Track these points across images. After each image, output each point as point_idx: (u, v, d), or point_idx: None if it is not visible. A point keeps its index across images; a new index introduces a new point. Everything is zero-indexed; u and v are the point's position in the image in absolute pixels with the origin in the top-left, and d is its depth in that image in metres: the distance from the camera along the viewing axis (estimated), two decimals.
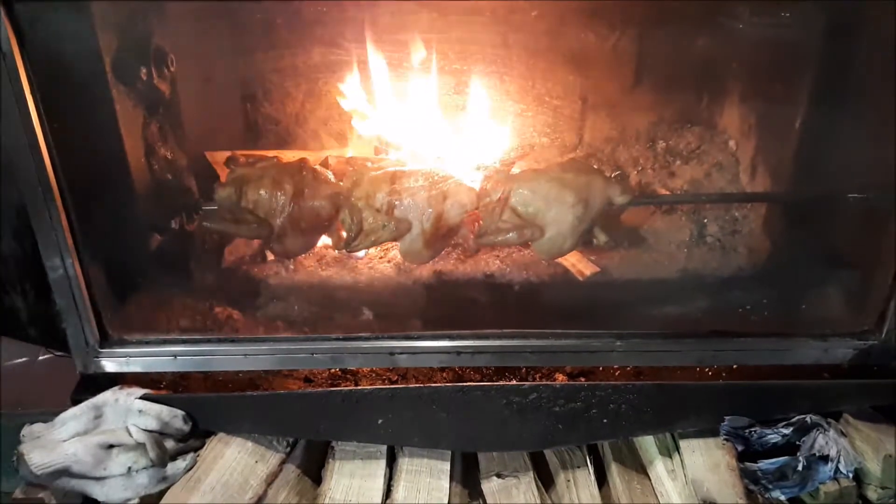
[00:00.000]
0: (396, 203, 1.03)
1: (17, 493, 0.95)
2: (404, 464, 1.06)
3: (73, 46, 0.89)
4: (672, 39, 1.23)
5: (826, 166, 1.15)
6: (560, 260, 1.25)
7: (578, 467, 1.08)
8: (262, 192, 1.02)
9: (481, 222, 1.06)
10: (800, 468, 1.00)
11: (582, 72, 1.22)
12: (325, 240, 1.16)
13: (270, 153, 1.27)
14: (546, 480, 1.08)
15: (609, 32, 1.20)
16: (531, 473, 1.06)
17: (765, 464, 1.02)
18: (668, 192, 1.32)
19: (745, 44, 1.18)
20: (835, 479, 1.00)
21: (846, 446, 1.01)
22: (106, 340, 1.01)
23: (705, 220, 1.32)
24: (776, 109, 1.22)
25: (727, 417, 1.04)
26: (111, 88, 0.94)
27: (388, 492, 1.03)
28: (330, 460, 1.07)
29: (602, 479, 1.08)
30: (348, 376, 1.13)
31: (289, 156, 1.28)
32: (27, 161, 0.88)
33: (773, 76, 1.21)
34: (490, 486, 1.04)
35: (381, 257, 1.28)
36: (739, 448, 1.04)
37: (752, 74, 1.25)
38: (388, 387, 1.04)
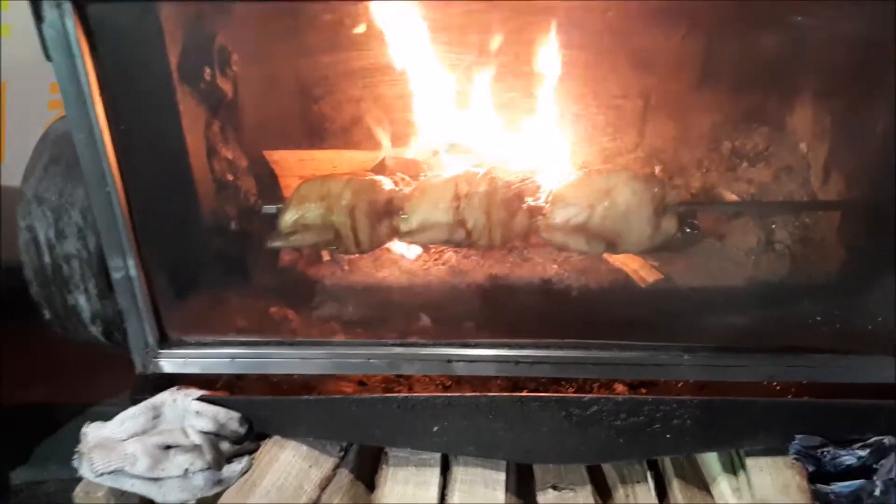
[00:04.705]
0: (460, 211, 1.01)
1: (78, 491, 0.96)
2: (458, 473, 1.04)
3: (139, 47, 0.89)
4: (740, 37, 1.18)
5: None
6: (621, 265, 1.22)
7: (638, 482, 1.05)
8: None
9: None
10: (877, 493, 0.95)
11: (649, 70, 1.18)
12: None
13: (329, 152, 1.27)
14: (604, 494, 1.05)
15: (678, 30, 1.16)
16: (589, 487, 1.03)
17: (838, 486, 0.97)
18: (733, 195, 1.28)
19: (819, 41, 1.12)
20: None
21: None
22: (165, 341, 1.02)
23: (773, 226, 1.26)
24: (853, 110, 1.16)
25: (798, 436, 1.00)
26: (176, 89, 0.94)
27: (441, 500, 1.01)
28: (383, 466, 1.06)
29: (662, 495, 1.04)
30: (402, 380, 1.12)
31: (346, 156, 1.28)
32: (94, 163, 0.88)
33: (849, 75, 1.15)
34: (546, 499, 1.01)
35: (435, 259, 1.27)
36: (810, 469, 0.99)
37: (827, 73, 1.19)
38: (443, 394, 1.02)
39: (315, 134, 1.26)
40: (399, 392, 1.10)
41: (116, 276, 0.95)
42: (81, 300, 1.01)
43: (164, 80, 0.92)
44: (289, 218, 1.00)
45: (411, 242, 1.07)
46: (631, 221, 0.99)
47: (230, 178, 1.08)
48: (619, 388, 1.08)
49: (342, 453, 1.07)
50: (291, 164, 1.23)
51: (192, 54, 0.96)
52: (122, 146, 0.89)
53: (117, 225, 0.92)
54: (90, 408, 1.27)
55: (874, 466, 0.98)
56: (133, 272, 0.95)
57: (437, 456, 1.05)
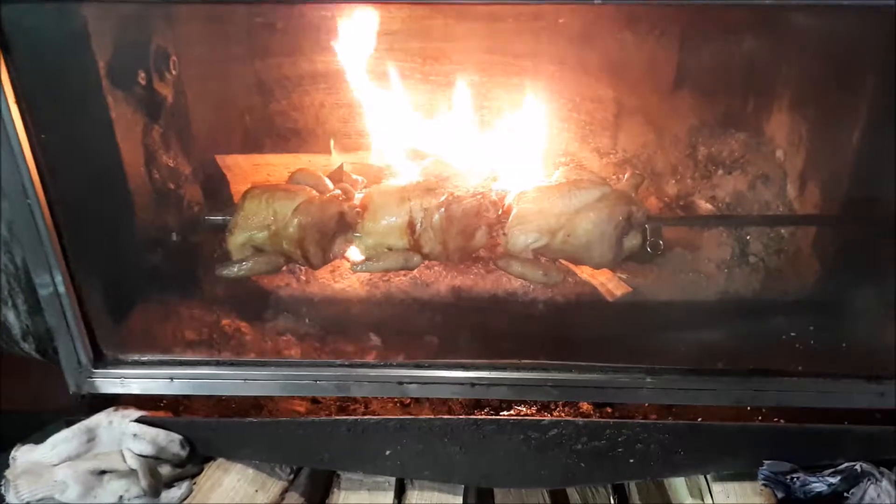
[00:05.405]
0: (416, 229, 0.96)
1: None
2: (413, 497, 1.00)
3: (62, 51, 0.83)
4: (714, 43, 1.14)
5: (887, 183, 1.04)
6: (589, 278, 1.17)
7: None
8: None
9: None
10: None
11: (618, 76, 1.13)
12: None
13: (286, 156, 1.22)
14: None
15: (645, 36, 1.11)
16: None
17: None
18: (708, 205, 1.23)
19: (797, 48, 1.08)
20: None
21: None
22: (100, 360, 0.96)
23: (748, 237, 1.22)
24: (830, 120, 1.11)
25: (766, 461, 0.96)
26: (106, 95, 0.88)
27: None
28: (335, 490, 1.01)
29: None
30: (358, 398, 1.07)
31: (303, 159, 1.23)
32: (13, 174, 0.82)
33: (827, 84, 1.10)
34: None
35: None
36: (779, 495, 0.95)
37: (805, 81, 1.14)
38: (396, 417, 0.97)
39: (269, 138, 1.21)
40: (355, 410, 1.06)
41: (43, 292, 0.89)
42: (10, 316, 0.96)
43: (93, 85, 0.86)
44: (236, 242, 0.95)
45: (366, 271, 1.01)
46: (592, 246, 0.94)
47: (172, 186, 1.02)
48: (585, 406, 1.04)
49: (292, 476, 1.02)
50: (245, 169, 1.18)
51: (125, 57, 0.90)
52: (45, 156, 0.83)
53: (41, 239, 0.86)
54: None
55: (846, 494, 0.94)
56: (62, 288, 0.89)
57: (392, 479, 1.01)
